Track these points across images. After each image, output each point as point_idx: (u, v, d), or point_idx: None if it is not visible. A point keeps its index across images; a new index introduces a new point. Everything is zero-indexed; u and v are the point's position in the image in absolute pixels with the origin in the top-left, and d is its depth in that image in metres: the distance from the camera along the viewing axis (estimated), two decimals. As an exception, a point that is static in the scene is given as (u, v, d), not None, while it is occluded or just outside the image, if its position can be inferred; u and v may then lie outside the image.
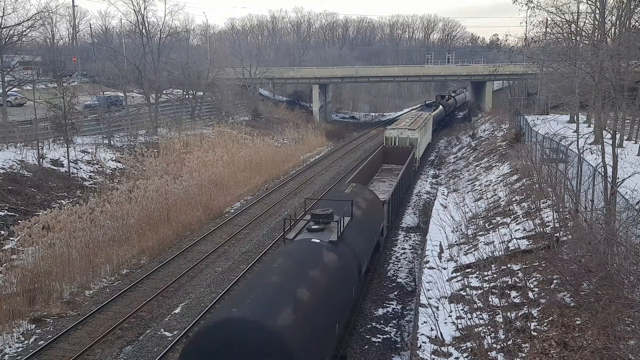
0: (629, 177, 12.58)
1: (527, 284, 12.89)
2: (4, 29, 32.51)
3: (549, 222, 16.15)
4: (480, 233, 19.16)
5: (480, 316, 12.32)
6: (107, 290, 18.18)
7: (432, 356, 11.32)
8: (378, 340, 14.82)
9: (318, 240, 12.48)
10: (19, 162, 27.24)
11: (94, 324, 15.68)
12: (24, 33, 33.89)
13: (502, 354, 10.45)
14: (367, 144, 51.46)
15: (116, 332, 15.16)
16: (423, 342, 12.01)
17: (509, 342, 10.61)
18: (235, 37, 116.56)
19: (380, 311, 16.53)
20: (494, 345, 10.87)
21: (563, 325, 10.29)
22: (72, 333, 15.09)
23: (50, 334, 15.11)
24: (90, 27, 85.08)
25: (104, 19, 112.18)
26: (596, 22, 25.48)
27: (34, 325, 15.55)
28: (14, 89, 37.44)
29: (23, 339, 14.96)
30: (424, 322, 12.82)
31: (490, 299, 12.94)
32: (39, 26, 37.89)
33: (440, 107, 59.22)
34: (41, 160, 28.18)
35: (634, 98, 27.44)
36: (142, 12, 44.71)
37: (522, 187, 22.72)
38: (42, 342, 14.63)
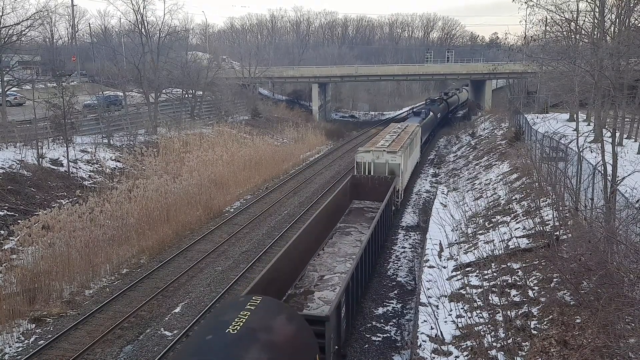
0: (629, 175, 12.58)
1: (527, 282, 12.90)
2: (3, 29, 32.48)
3: (548, 220, 16.15)
4: (480, 232, 19.17)
5: (480, 315, 12.33)
6: (107, 289, 18.18)
7: (432, 355, 11.33)
8: (378, 339, 14.82)
9: None
10: (18, 162, 27.22)
11: (94, 323, 15.67)
12: (23, 32, 33.87)
13: (502, 352, 10.45)
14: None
15: (116, 332, 15.15)
16: (423, 341, 12.01)
17: (509, 341, 10.62)
18: (234, 36, 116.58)
19: (380, 310, 16.53)
20: (494, 344, 10.87)
21: (563, 323, 10.30)
22: (72, 333, 15.08)
23: (50, 333, 15.10)
24: (90, 27, 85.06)
25: (103, 18, 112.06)
26: (596, 21, 25.46)
27: (34, 325, 15.55)
28: (13, 89, 37.39)
29: (23, 338, 14.95)
30: (424, 320, 12.82)
31: (490, 298, 12.94)
32: (38, 26, 37.98)
33: (431, 114, 50.86)
34: (41, 159, 28.16)
35: (633, 96, 27.44)
36: (141, 11, 44.76)
37: (522, 186, 22.73)
38: (42, 341, 14.63)
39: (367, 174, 26.54)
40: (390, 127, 37.53)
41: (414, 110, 56.15)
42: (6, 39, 32.57)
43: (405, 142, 29.47)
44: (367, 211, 23.66)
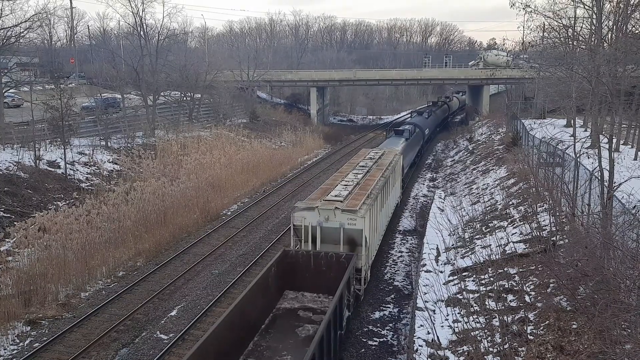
0: (626, 181, 12.60)
1: (524, 287, 12.90)
2: (2, 30, 32.48)
3: (545, 225, 16.18)
4: (477, 236, 19.18)
5: (477, 320, 12.32)
6: (103, 292, 18.12)
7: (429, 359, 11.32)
8: (375, 343, 14.81)
9: None
10: (15, 164, 27.17)
11: (89, 326, 15.62)
12: (22, 34, 33.88)
13: (498, 357, 10.44)
14: (365, 148, 51.29)
15: (112, 335, 15.11)
16: (420, 346, 12.00)
17: (506, 346, 10.61)
18: (233, 39, 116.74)
19: (377, 314, 16.52)
20: (491, 349, 10.86)
21: (559, 329, 10.30)
22: (68, 335, 15.03)
23: (45, 336, 15.05)
24: (88, 29, 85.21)
25: (102, 20, 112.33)
26: (593, 27, 25.58)
27: (29, 327, 15.50)
28: (11, 90, 37.34)
29: (18, 341, 14.89)
30: (421, 325, 12.81)
31: (486, 303, 12.94)
32: (36, 27, 37.85)
33: (417, 130, 40.52)
34: (38, 161, 28.10)
35: (630, 103, 27.54)
36: (140, 14, 44.78)
37: (519, 191, 22.76)
38: (37, 344, 14.57)
39: (310, 243, 16.51)
40: (359, 156, 25.85)
41: (396, 128, 40.47)
42: (4, 40, 32.54)
43: (375, 186, 19.30)
44: (304, 319, 14.26)
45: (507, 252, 15.75)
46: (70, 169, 29.27)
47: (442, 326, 12.60)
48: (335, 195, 17.57)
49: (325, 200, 17.14)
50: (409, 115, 54.95)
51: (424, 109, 58.93)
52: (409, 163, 34.72)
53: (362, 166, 22.78)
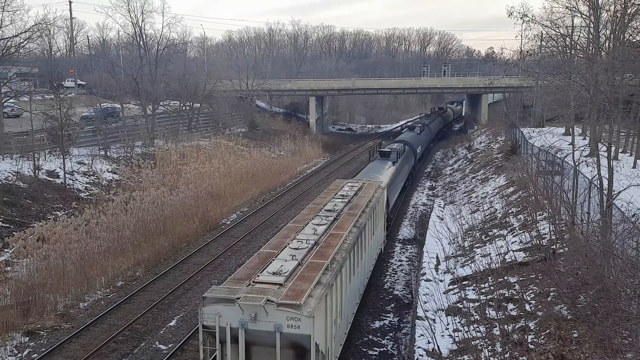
0: (625, 189, 12.62)
1: (524, 296, 12.87)
2: (2, 40, 32.60)
3: (545, 234, 16.17)
4: (477, 245, 19.15)
5: (477, 329, 12.27)
6: (102, 302, 18.05)
7: (429, 369, 11.25)
8: (375, 353, 14.74)
9: None
10: (14, 173, 27.15)
11: (88, 336, 15.54)
12: (22, 45, 33.97)
13: (499, 367, 10.39)
14: (363, 157, 51.31)
15: (110, 345, 15.03)
16: (420, 355, 11.95)
17: (506, 355, 10.57)
18: (232, 49, 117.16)
19: (377, 324, 16.46)
20: (492, 358, 10.81)
21: (560, 338, 10.27)
22: (66, 346, 14.95)
23: (44, 346, 14.97)
24: (88, 39, 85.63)
25: (101, 31, 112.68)
26: (590, 36, 25.75)
27: (27, 338, 15.42)
28: (11, 100, 37.40)
29: (16, 351, 14.80)
30: (421, 334, 12.76)
31: (487, 312, 12.90)
32: (36, 38, 37.98)
33: (408, 149, 35.33)
34: (37, 171, 28.10)
35: (628, 111, 27.64)
36: (140, 24, 44.99)
37: (519, 199, 22.77)
38: (35, 355, 14.49)
39: (229, 351, 10.76)
40: (330, 192, 19.48)
41: (381, 149, 32.42)
42: (4, 50, 32.66)
43: (341, 246, 13.42)
44: None
45: (507, 260, 15.73)
46: (70, 179, 29.26)
47: (442, 335, 12.55)
48: (274, 273, 11.48)
49: (256, 282, 11.03)
50: (403, 128, 51.52)
51: (415, 122, 55.08)
52: (398, 190, 28.99)
53: (329, 210, 16.49)
